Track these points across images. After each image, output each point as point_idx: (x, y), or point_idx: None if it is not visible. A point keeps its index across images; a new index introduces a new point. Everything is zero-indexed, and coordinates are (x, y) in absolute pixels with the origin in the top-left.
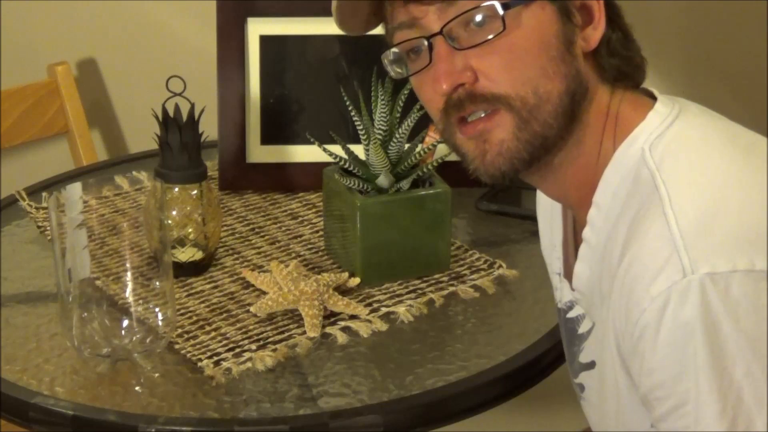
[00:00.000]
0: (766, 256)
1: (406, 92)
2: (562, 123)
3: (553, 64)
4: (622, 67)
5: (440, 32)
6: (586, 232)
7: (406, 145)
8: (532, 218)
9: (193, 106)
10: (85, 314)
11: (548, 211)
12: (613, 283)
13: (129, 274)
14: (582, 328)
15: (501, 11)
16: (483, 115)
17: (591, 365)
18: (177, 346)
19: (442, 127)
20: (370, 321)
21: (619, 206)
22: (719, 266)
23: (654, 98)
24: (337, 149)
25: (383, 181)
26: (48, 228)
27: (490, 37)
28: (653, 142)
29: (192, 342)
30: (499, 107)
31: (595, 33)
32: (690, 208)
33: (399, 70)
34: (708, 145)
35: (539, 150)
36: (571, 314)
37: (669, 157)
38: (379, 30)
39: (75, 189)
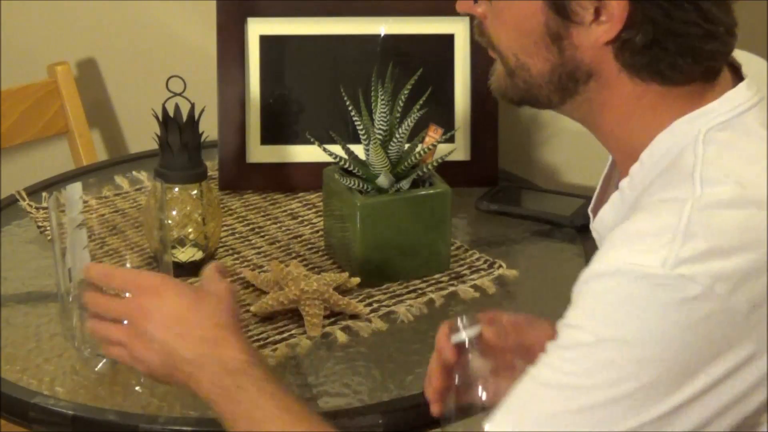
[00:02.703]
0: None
1: (405, 92)
2: (548, 93)
3: (534, 47)
4: (649, 65)
5: None
6: (624, 182)
7: (406, 145)
8: (532, 218)
9: (193, 106)
10: (85, 314)
11: None
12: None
13: None
14: None
15: None
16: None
17: None
18: None
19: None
20: (370, 321)
21: (656, 173)
22: (697, 280)
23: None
24: (337, 149)
25: (383, 181)
26: (48, 228)
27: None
28: (713, 127)
29: None
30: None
31: (600, 31)
32: (705, 225)
33: None
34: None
35: (530, 100)
36: None
37: (719, 155)
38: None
39: (75, 189)
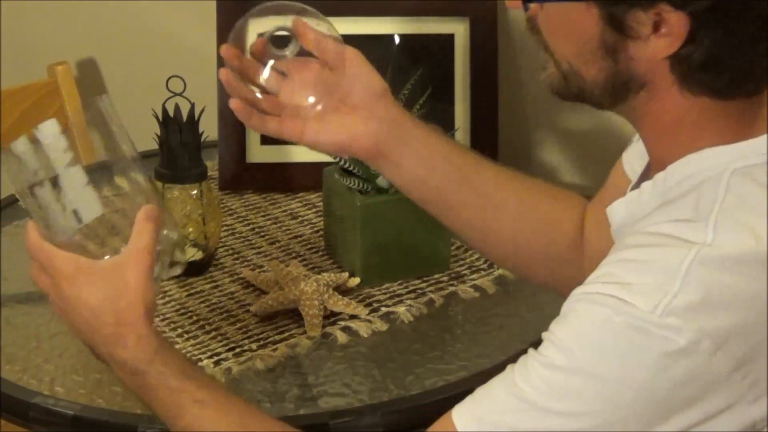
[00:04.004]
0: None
1: (405, 92)
2: (599, 98)
3: (590, 56)
4: (706, 82)
5: None
6: (647, 185)
7: None
8: None
9: (193, 106)
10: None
11: None
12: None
13: None
14: None
15: None
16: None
17: None
18: (177, 346)
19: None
20: (370, 321)
21: (677, 193)
22: (683, 334)
23: None
24: None
25: (383, 181)
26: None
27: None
28: (740, 169)
29: (192, 342)
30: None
31: (659, 45)
32: (705, 278)
33: None
34: None
35: (581, 99)
36: None
37: (739, 204)
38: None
39: (50, 126)
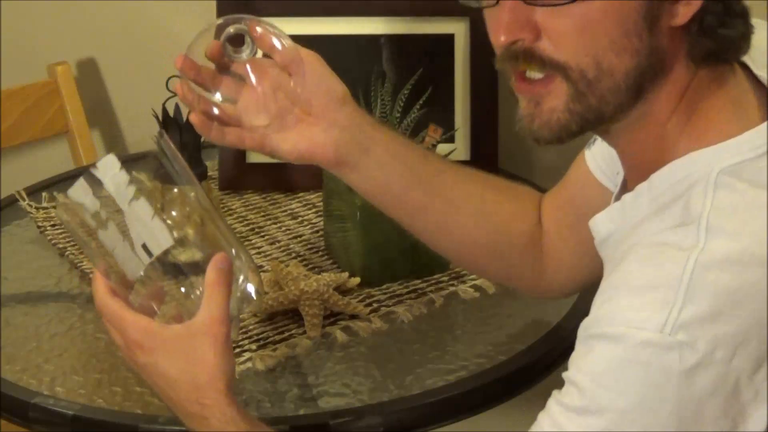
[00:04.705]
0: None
1: (406, 92)
2: (623, 99)
3: (626, 39)
4: (712, 47)
5: None
6: (628, 197)
7: None
8: None
9: None
10: (185, 286)
11: None
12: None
13: None
14: None
15: None
16: (540, 77)
17: None
18: None
19: (500, 67)
20: (370, 321)
21: (665, 201)
22: (696, 346)
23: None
24: None
25: None
26: (48, 228)
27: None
28: (726, 168)
29: None
30: (555, 74)
31: (687, 9)
32: (708, 284)
33: None
34: None
35: (591, 123)
36: None
37: (728, 204)
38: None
39: (109, 163)
